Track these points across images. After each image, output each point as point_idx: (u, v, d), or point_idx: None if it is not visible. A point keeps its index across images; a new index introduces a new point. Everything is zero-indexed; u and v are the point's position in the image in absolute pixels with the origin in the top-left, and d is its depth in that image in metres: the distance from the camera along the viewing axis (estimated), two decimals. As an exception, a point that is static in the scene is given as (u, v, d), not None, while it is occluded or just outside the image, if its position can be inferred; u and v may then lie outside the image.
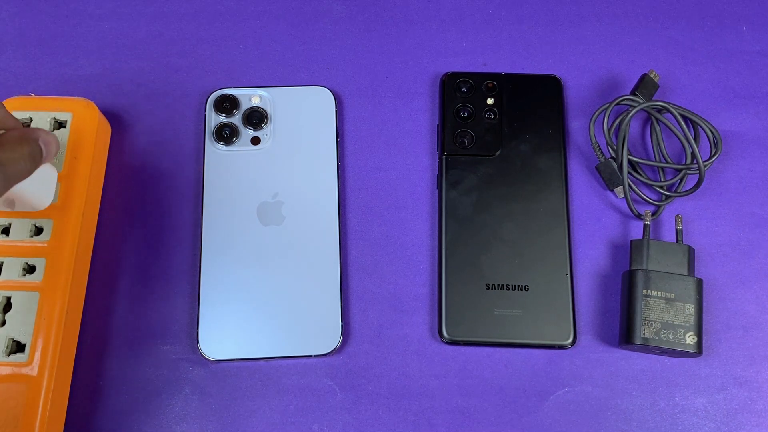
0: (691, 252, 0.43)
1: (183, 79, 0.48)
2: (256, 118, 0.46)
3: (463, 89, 0.47)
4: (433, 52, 0.49)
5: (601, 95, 0.48)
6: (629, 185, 0.44)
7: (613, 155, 0.45)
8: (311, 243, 0.44)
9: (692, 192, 0.45)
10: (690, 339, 0.41)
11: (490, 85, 0.47)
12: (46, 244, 0.40)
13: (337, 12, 0.50)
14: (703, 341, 0.42)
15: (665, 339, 0.41)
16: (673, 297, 0.42)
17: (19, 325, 0.39)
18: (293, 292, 0.43)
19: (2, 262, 0.40)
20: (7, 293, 0.40)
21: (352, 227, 0.45)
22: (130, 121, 0.47)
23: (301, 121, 0.46)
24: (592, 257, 0.45)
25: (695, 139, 0.45)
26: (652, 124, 0.47)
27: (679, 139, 0.44)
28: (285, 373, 0.42)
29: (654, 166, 0.45)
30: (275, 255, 0.43)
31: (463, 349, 0.43)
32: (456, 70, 0.48)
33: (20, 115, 0.43)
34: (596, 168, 0.46)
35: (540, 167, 0.46)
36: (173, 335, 0.43)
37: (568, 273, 0.43)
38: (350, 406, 0.42)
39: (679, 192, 0.45)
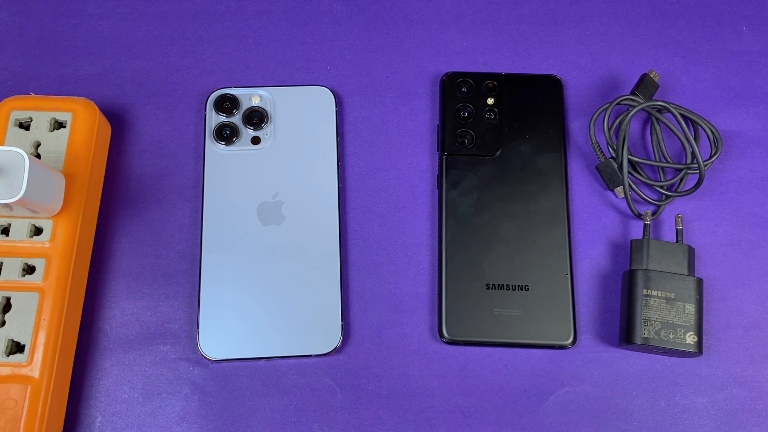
0: (691, 252, 0.43)
1: (183, 79, 0.48)
2: (257, 117, 0.46)
3: (464, 89, 0.47)
4: (433, 52, 0.49)
5: (601, 95, 0.48)
6: (629, 185, 0.44)
7: (613, 155, 0.45)
8: (311, 243, 0.44)
9: (692, 192, 0.45)
10: (690, 339, 0.41)
11: (490, 85, 0.47)
12: (45, 245, 0.40)
13: (337, 12, 0.50)
14: (703, 341, 0.42)
15: (665, 339, 0.41)
16: (673, 297, 0.42)
17: (18, 325, 0.39)
18: (293, 291, 0.43)
19: (2, 263, 0.40)
20: (7, 293, 0.40)
21: (352, 227, 0.45)
22: (130, 121, 0.47)
23: (302, 120, 0.46)
24: (592, 257, 0.45)
25: (695, 139, 0.45)
26: (652, 124, 0.47)
27: (679, 138, 0.44)
28: (285, 373, 0.42)
29: (654, 166, 0.45)
30: (275, 255, 0.43)
31: (463, 349, 0.43)
32: (456, 70, 0.48)
33: (20, 115, 0.43)
34: (596, 168, 0.46)
35: (540, 167, 0.46)
36: (173, 335, 0.43)
37: (568, 273, 0.43)
38: (350, 406, 0.42)
39: (679, 192, 0.45)
